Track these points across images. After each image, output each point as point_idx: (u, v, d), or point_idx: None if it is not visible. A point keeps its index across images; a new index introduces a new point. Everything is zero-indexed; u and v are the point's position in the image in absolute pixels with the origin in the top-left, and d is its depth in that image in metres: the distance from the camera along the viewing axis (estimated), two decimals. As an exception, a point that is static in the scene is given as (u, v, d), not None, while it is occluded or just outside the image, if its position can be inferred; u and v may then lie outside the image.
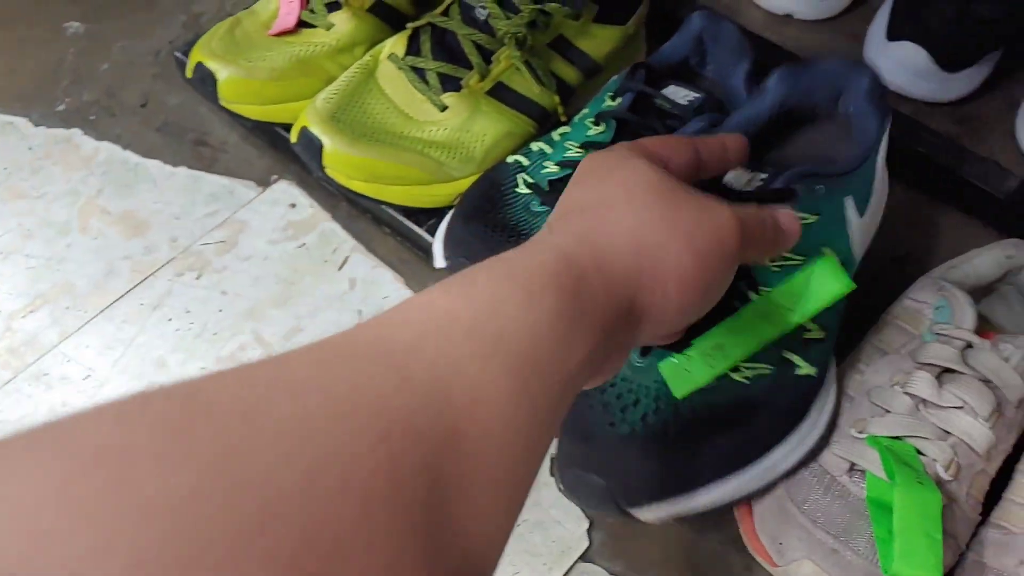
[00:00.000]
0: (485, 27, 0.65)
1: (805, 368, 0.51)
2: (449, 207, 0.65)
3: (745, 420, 0.49)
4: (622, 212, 0.36)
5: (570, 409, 0.34)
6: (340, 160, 0.62)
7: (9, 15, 0.86)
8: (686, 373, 0.47)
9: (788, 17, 0.86)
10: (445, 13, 0.67)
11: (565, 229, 0.36)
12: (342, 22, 0.70)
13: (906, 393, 0.52)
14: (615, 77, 0.67)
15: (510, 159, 0.64)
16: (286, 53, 0.69)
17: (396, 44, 0.67)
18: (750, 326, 0.47)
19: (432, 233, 0.66)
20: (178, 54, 0.78)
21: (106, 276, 0.69)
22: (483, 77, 0.65)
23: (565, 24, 0.68)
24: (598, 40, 0.71)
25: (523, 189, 0.61)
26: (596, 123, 0.63)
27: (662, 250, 0.35)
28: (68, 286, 0.68)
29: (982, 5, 0.72)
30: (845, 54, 0.83)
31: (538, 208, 0.59)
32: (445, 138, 0.65)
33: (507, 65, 0.66)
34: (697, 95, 0.66)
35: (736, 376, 0.49)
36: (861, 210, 0.54)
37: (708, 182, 0.49)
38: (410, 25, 0.68)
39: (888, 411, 0.52)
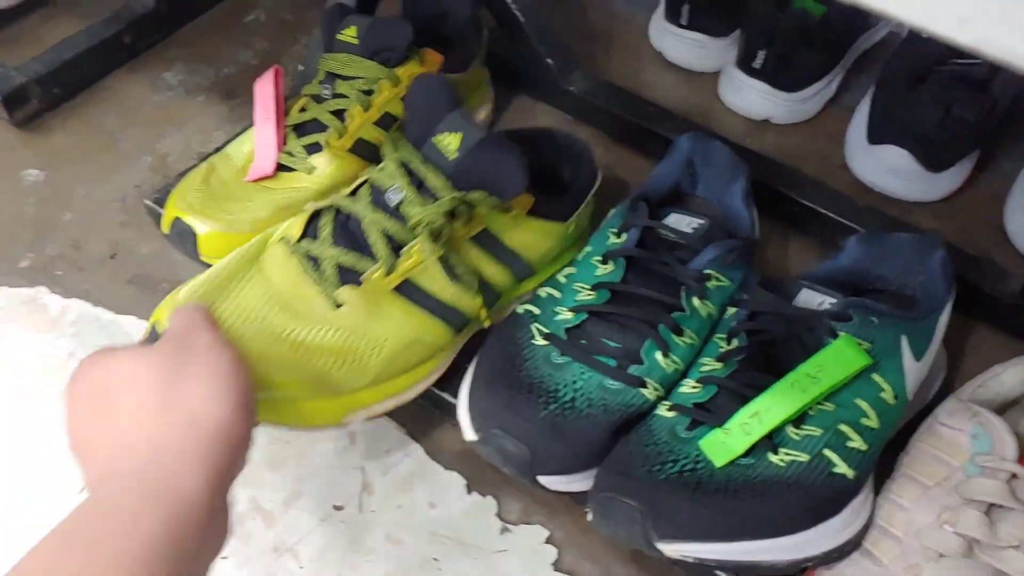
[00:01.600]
0: (396, 214, 0.55)
1: (842, 467, 0.52)
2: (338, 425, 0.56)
3: (778, 495, 0.50)
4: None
5: (610, 452, 0.54)
6: None
7: (-39, 166, 0.82)
8: (724, 445, 0.52)
9: (766, 122, 0.86)
10: (353, 194, 0.58)
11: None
12: (324, 164, 0.67)
13: (957, 534, 0.50)
14: (614, 211, 0.66)
15: (520, 309, 0.61)
16: (267, 201, 0.66)
17: (291, 226, 0.57)
18: (783, 396, 0.52)
19: (439, 385, 0.62)
20: (148, 202, 0.74)
21: (85, 450, 0.64)
22: (389, 271, 0.55)
23: (492, 216, 0.58)
24: (531, 236, 0.62)
25: (540, 341, 0.58)
26: (604, 262, 0.61)
27: None
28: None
29: (965, 109, 0.72)
30: (825, 156, 0.83)
31: (559, 359, 0.57)
32: (335, 343, 0.53)
33: (419, 260, 0.55)
34: (701, 221, 0.64)
35: (773, 457, 0.52)
36: (918, 355, 0.56)
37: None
38: (309, 206, 0.58)
39: (942, 555, 0.50)
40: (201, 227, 0.64)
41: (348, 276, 0.55)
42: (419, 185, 0.55)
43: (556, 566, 0.59)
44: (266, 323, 0.53)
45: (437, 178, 0.55)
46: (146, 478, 0.40)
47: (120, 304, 0.72)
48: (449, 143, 0.55)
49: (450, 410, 0.61)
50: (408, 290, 0.56)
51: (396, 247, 0.55)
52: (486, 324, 0.60)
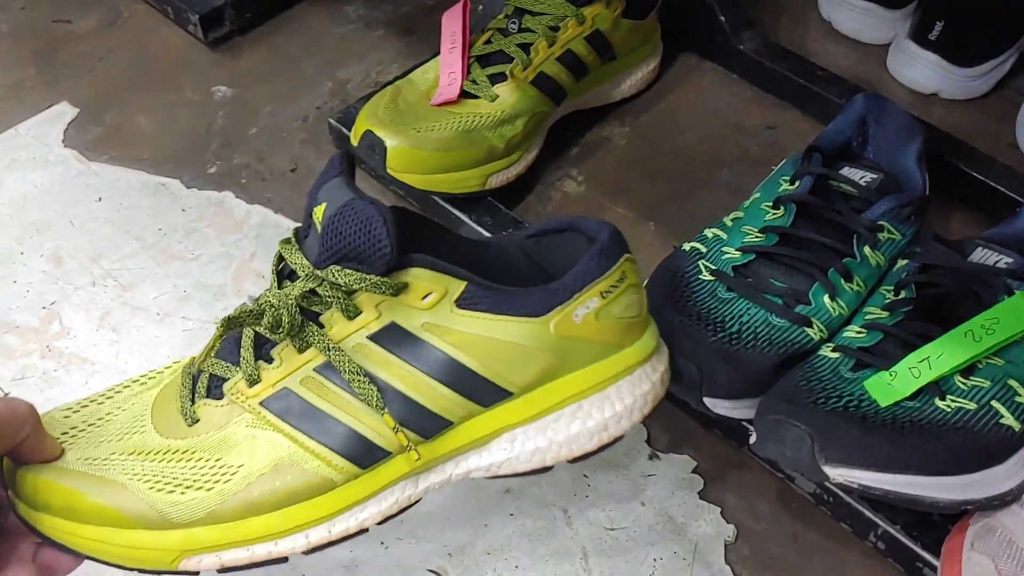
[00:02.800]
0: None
1: (1008, 420, 0.52)
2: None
3: (945, 437, 0.51)
4: None
5: (772, 385, 0.54)
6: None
7: (159, 79, 0.88)
8: (890, 386, 0.53)
9: (934, 96, 0.85)
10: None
11: None
12: (506, 93, 0.70)
13: None
14: (785, 161, 0.67)
15: (686, 247, 0.63)
16: (451, 124, 0.69)
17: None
18: (955, 345, 0.53)
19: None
20: (332, 120, 0.79)
21: (263, 340, 0.68)
22: (252, 382, 0.45)
23: (393, 305, 0.44)
24: (476, 337, 0.44)
25: (707, 276, 0.60)
26: (775, 207, 0.62)
27: None
28: (226, 349, 0.68)
29: None
30: (994, 134, 0.82)
31: (725, 295, 0.58)
32: (178, 464, 0.44)
33: (291, 367, 0.44)
34: (875, 175, 0.65)
35: (940, 403, 0.52)
36: None
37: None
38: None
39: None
40: (391, 140, 0.67)
41: (218, 390, 0.45)
42: (289, 275, 0.45)
43: (702, 495, 0.61)
44: (123, 432, 0.45)
45: (298, 259, 0.44)
46: None
47: (298, 213, 0.77)
48: (318, 216, 0.43)
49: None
50: (282, 405, 0.44)
51: (266, 352, 0.45)
52: (414, 458, 0.45)
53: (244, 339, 0.45)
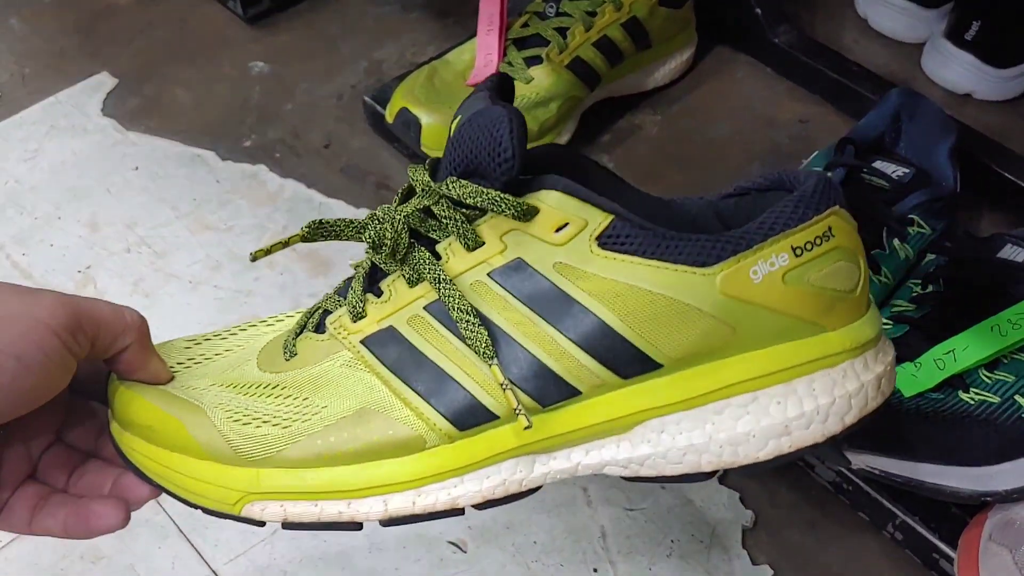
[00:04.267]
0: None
1: None
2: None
3: (968, 428, 0.52)
4: None
5: None
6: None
7: (197, 53, 0.89)
8: (914, 378, 0.53)
9: (968, 96, 0.85)
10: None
11: None
12: (541, 76, 0.71)
13: None
14: (817, 153, 0.67)
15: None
16: (485, 104, 0.70)
17: None
18: (981, 338, 0.53)
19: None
20: (367, 99, 0.79)
21: (292, 312, 0.69)
22: (356, 317, 0.39)
23: (518, 235, 0.36)
24: (620, 285, 0.35)
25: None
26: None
27: None
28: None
29: None
30: (1027, 137, 0.82)
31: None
32: (267, 399, 0.39)
33: (402, 303, 0.38)
34: (907, 170, 0.65)
35: (963, 395, 0.53)
36: None
37: None
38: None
39: None
40: (426, 118, 0.68)
41: (323, 325, 0.41)
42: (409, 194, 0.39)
43: (722, 480, 0.62)
44: (229, 366, 0.41)
45: (420, 175, 0.38)
46: None
47: (331, 189, 0.78)
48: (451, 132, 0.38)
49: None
50: (383, 344, 0.38)
51: (376, 286, 0.39)
52: (523, 426, 0.36)
53: (358, 271, 0.40)
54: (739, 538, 0.59)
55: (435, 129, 0.68)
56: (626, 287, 0.35)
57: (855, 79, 0.81)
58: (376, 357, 0.38)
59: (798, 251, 0.35)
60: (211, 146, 0.81)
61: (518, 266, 0.36)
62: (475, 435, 0.37)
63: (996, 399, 0.52)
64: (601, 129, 0.82)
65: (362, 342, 0.38)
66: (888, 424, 0.51)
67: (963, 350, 0.53)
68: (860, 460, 0.51)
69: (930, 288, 0.59)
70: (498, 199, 0.35)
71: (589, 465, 0.39)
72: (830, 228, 0.36)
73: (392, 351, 0.38)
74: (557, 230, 0.35)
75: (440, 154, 0.61)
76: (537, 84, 0.71)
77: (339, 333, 0.39)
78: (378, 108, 0.78)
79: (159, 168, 0.79)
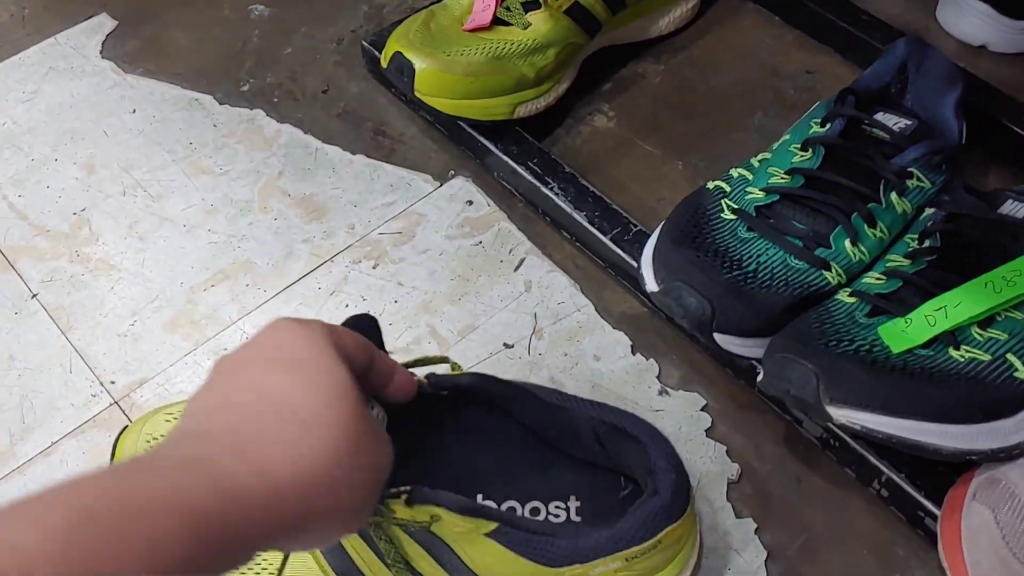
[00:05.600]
0: None
1: (1022, 373, 0.51)
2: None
3: (954, 385, 0.51)
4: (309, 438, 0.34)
5: (784, 326, 0.54)
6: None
7: (197, -6, 0.88)
8: (904, 333, 0.52)
9: (982, 49, 0.83)
10: None
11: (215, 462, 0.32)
12: (539, 22, 0.70)
13: None
14: (818, 104, 0.65)
15: (710, 185, 0.62)
16: (482, 49, 0.68)
17: None
18: (974, 295, 0.52)
19: (618, 244, 0.65)
20: (365, 43, 0.78)
21: (285, 257, 0.69)
22: None
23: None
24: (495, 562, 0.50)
25: (728, 215, 0.59)
26: (803, 149, 0.61)
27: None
28: (248, 264, 0.69)
29: None
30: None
31: (745, 235, 0.58)
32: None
33: None
34: (909, 122, 0.63)
35: (953, 352, 0.52)
36: None
37: None
38: None
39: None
40: (420, 63, 0.67)
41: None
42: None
43: (709, 433, 0.61)
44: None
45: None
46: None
47: (328, 134, 0.77)
48: None
49: (623, 273, 0.63)
50: None
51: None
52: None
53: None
54: (724, 491, 0.59)
55: (429, 74, 0.67)
56: (500, 567, 0.47)
57: (865, 29, 0.79)
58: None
59: (630, 558, 0.46)
60: (209, 90, 0.80)
61: (425, 531, 0.46)
62: None
63: (987, 357, 0.51)
64: (602, 78, 0.80)
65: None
66: (871, 380, 0.50)
67: (955, 306, 0.52)
68: (840, 415, 0.50)
69: (927, 243, 0.58)
70: (406, 521, 0.45)
71: None
72: (660, 541, 0.46)
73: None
74: (455, 527, 0.45)
75: (433, 100, 0.63)
76: (534, 30, 0.69)
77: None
78: (376, 53, 0.77)
79: (156, 111, 0.79)
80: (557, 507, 0.52)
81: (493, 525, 0.46)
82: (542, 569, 0.46)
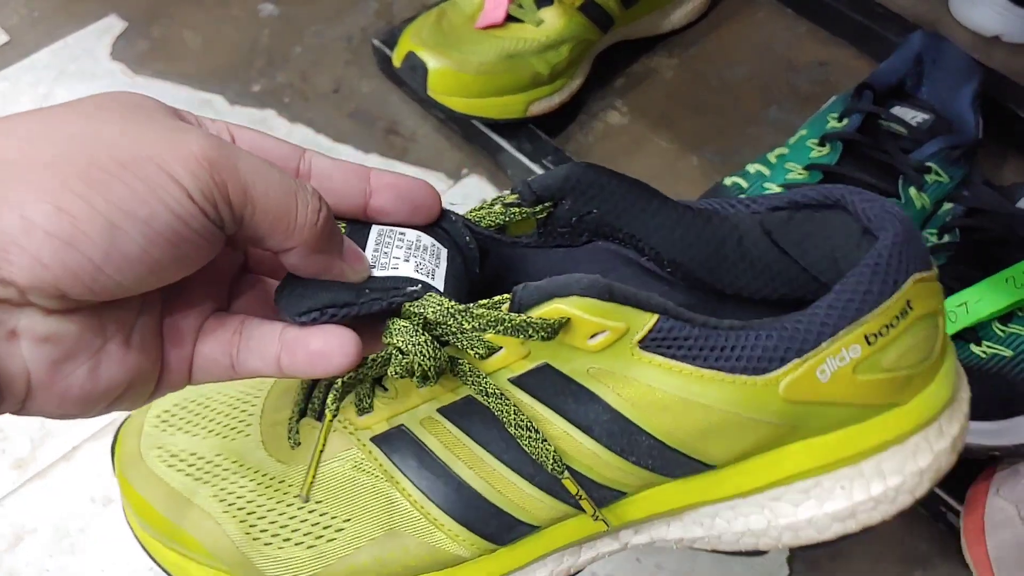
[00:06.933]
0: None
1: None
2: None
3: (977, 381, 0.48)
4: None
5: None
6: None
7: (206, -6, 0.88)
8: None
9: (996, 39, 0.82)
10: None
11: None
12: (552, 19, 0.69)
13: None
14: (835, 98, 0.65)
15: (727, 181, 0.62)
16: (494, 47, 0.68)
17: None
18: (995, 290, 0.51)
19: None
20: (376, 42, 0.78)
21: (300, 258, 0.69)
22: None
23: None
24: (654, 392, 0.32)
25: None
26: (820, 144, 0.61)
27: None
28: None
29: None
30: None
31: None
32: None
33: None
34: (925, 116, 0.63)
35: (975, 348, 0.52)
36: None
37: None
38: None
39: None
40: (433, 62, 0.67)
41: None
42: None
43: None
44: (229, 422, 0.38)
45: (432, 304, 0.31)
46: None
47: (340, 134, 0.77)
48: None
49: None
50: (397, 449, 0.34)
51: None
52: (601, 529, 0.35)
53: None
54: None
55: (442, 73, 0.67)
56: (675, 399, 0.30)
57: (879, 21, 0.78)
58: (392, 462, 0.34)
59: (871, 339, 0.30)
60: (219, 90, 0.80)
61: (544, 371, 0.31)
62: (516, 545, 0.35)
63: (1009, 353, 0.51)
64: (615, 73, 0.80)
65: (372, 440, 0.34)
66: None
67: (976, 302, 0.52)
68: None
69: (946, 238, 0.57)
70: (523, 325, 0.29)
71: (639, 543, 0.36)
72: (909, 303, 0.30)
73: (409, 459, 0.34)
74: (591, 337, 0.30)
75: (447, 99, 0.62)
76: (547, 27, 0.69)
77: (345, 426, 0.34)
78: (387, 51, 0.76)
79: (168, 113, 0.79)
80: None
81: (652, 320, 0.29)
82: (745, 386, 0.30)
